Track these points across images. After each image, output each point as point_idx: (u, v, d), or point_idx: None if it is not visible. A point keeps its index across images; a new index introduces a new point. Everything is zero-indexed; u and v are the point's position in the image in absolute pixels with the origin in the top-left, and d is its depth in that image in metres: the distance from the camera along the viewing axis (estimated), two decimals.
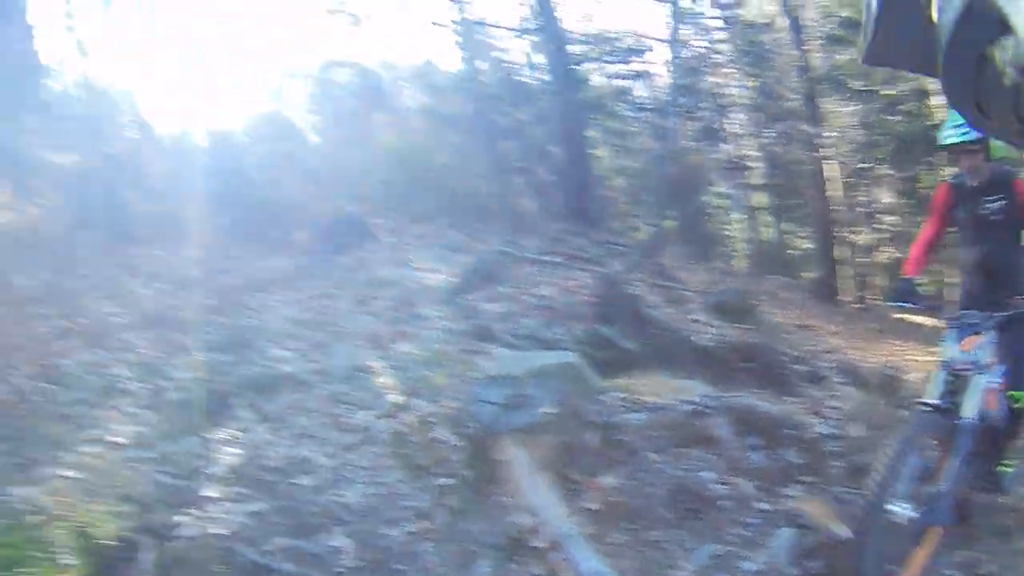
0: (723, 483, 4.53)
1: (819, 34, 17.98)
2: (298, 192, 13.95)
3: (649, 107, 18.40)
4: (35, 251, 9.35)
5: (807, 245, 21.40)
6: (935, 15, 0.90)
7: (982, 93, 0.90)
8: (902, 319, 13.96)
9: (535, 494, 4.24)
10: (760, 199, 21.95)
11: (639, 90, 19.25)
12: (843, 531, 4.09)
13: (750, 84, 19.76)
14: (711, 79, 19.37)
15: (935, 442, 4.03)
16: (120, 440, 5.32)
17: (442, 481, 4.52)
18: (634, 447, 4.73)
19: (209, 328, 8.02)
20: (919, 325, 13.85)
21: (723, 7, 18.83)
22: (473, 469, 4.43)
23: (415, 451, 4.81)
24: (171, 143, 20.21)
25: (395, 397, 5.63)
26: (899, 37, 1.06)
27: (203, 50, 41.96)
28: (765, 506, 4.42)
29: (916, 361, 9.74)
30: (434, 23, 15.03)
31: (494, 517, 4.18)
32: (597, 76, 18.21)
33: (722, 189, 21.97)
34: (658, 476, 4.57)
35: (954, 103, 0.97)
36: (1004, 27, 0.80)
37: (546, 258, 9.87)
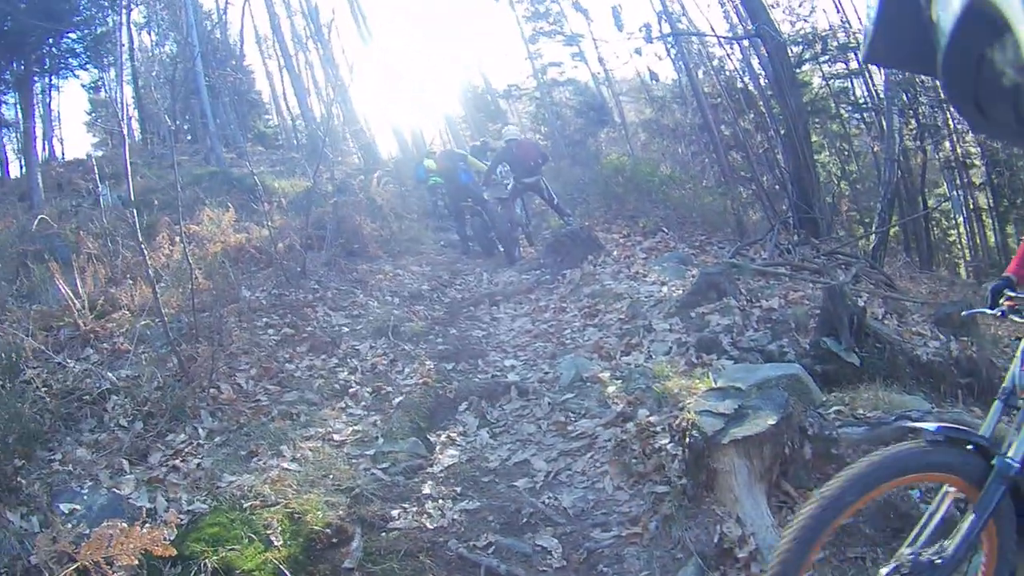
0: (929, 503, 4.31)
1: None
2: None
3: (868, 107, 17.68)
4: (265, 267, 9.99)
5: None
6: (935, 15, 0.89)
7: (982, 93, 0.88)
8: None
9: (747, 505, 4.17)
10: (982, 200, 20.56)
11: (857, 89, 18.54)
12: None
13: None
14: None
15: (953, 486, 2.84)
16: (340, 438, 5.55)
17: (658, 489, 4.45)
18: (848, 461, 4.58)
19: (438, 338, 8.33)
20: None
21: None
22: (690, 478, 4.34)
23: (635, 459, 4.81)
24: (395, 166, 21.15)
25: (619, 406, 5.60)
26: (899, 37, 1.05)
27: (422, 75, 43.69)
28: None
29: None
30: (647, 38, 15.03)
31: (704, 525, 4.09)
32: (816, 78, 17.72)
33: (944, 191, 20.75)
34: None
35: (954, 103, 0.94)
36: (1004, 27, 0.77)
37: (772, 269, 9.66)
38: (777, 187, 13.07)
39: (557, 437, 5.55)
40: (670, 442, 4.68)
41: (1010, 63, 0.80)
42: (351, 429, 5.72)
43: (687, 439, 4.47)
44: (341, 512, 4.17)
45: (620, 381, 6.14)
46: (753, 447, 4.26)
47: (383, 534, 4.13)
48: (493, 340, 8.39)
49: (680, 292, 8.46)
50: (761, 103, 15.45)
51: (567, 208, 14.33)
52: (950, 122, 19.16)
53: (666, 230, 12.56)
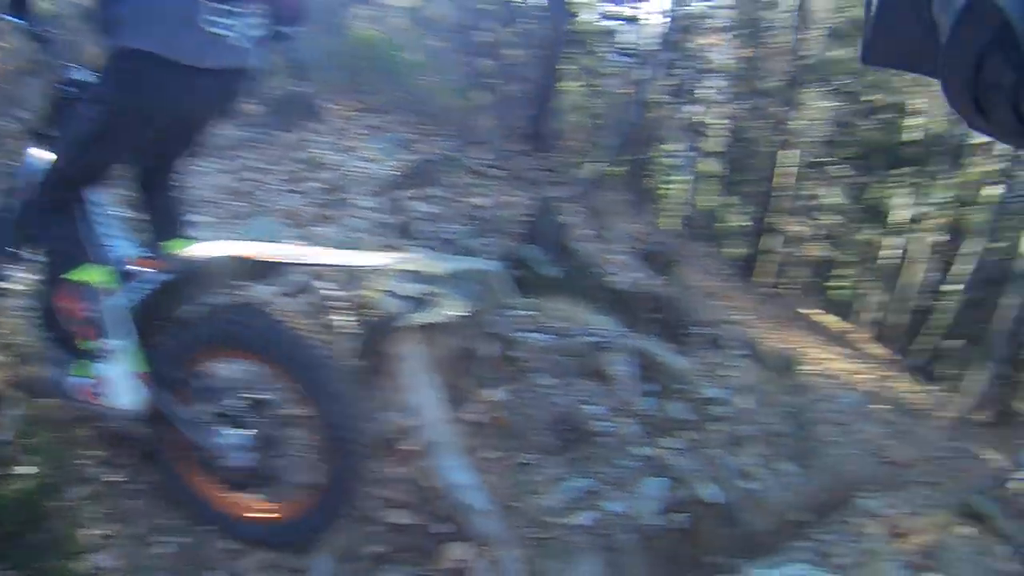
0: (609, 421, 4.41)
1: (821, 24, 17.76)
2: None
3: (631, 53, 18.16)
4: None
5: (742, 223, 21.55)
6: (935, 15, 0.75)
7: (982, 93, 0.74)
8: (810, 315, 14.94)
9: (419, 395, 3.99)
10: (711, 167, 22.00)
11: (626, 35, 18.95)
12: (710, 493, 3.95)
13: (737, 54, 19.79)
14: (700, 41, 19.24)
15: None
16: None
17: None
18: (530, 367, 4.58)
19: None
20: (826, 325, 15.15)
21: None
22: (364, 359, 4.14)
23: (313, 335, 4.53)
24: None
25: (301, 277, 5.30)
26: (898, 37, 0.92)
27: None
28: (645, 452, 4.32)
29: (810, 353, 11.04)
30: None
31: (371, 411, 3.92)
32: (588, 13, 17.96)
33: (675, 148, 21.87)
34: (546, 400, 4.43)
35: (954, 103, 0.81)
36: (1004, 27, 0.63)
37: (489, 170, 9.62)
38: (518, 97, 13.16)
39: None
40: (350, 320, 4.44)
41: (1010, 63, 0.64)
42: None
43: (366, 319, 4.25)
44: None
45: None
46: (432, 336, 4.09)
47: None
48: (187, 195, 7.84)
49: (392, 174, 8.24)
50: (526, 20, 15.39)
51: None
52: (700, 91, 20.20)
53: (395, 112, 12.22)
